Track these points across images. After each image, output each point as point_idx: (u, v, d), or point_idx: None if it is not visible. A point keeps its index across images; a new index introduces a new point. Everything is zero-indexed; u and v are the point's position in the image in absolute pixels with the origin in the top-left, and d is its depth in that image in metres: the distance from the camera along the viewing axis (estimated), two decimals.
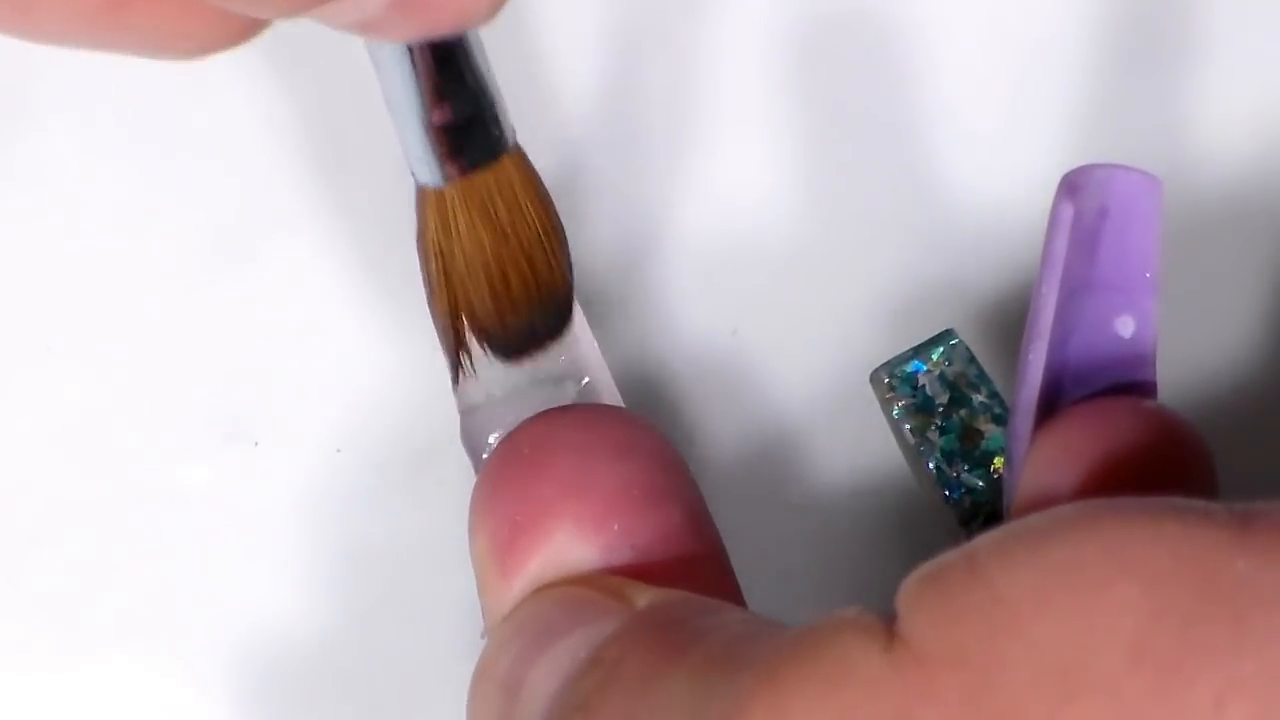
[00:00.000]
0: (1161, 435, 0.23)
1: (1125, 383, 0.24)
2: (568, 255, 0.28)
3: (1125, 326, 0.24)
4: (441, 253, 0.27)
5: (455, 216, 0.27)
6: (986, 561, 0.19)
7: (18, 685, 0.32)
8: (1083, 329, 0.24)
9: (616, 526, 0.25)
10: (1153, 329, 0.24)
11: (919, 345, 0.29)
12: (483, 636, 0.26)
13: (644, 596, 0.24)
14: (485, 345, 0.28)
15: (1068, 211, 0.24)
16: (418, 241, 0.27)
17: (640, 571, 0.25)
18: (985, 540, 0.20)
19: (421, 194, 0.27)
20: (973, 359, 0.29)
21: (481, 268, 0.27)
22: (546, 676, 0.23)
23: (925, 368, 0.29)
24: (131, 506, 0.32)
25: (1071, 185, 0.24)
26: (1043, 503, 0.23)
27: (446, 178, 0.26)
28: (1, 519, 0.32)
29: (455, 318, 0.27)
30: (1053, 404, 0.24)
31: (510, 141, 0.27)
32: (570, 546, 0.25)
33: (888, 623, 0.20)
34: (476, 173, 0.26)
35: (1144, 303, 0.24)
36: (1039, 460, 0.23)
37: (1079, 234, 0.24)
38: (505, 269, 0.27)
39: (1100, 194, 0.23)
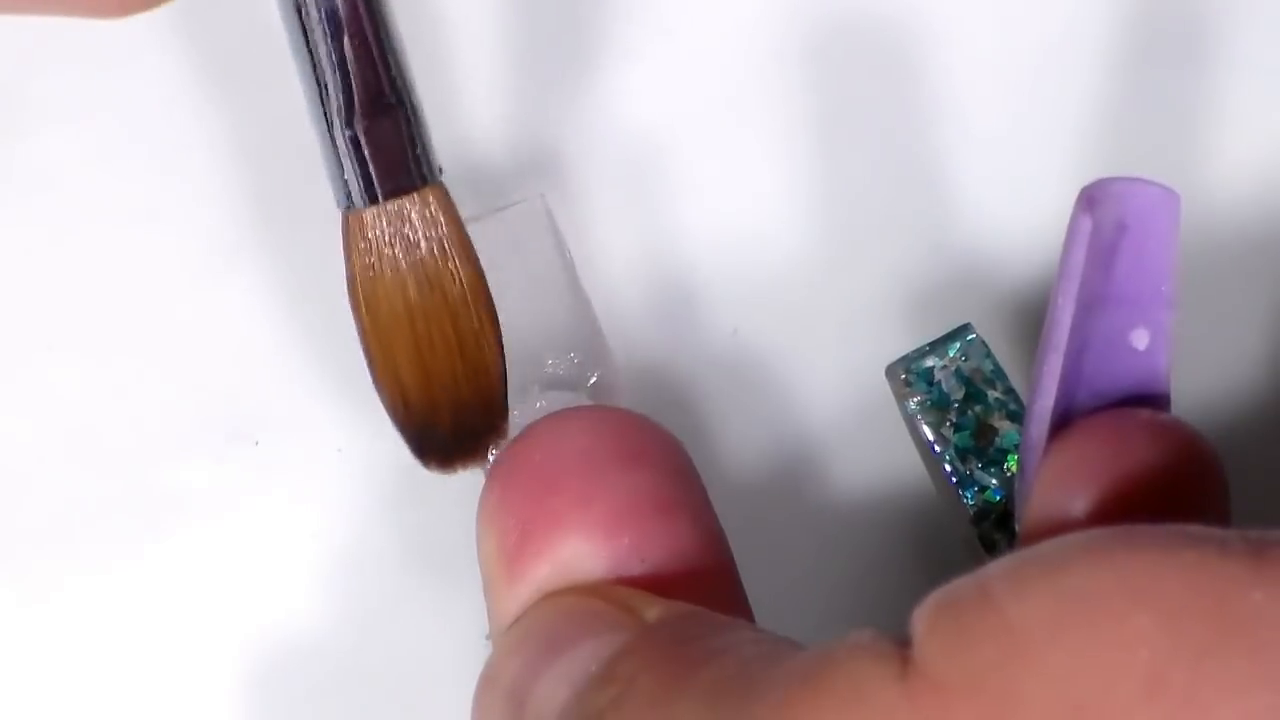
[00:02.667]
0: (1174, 448, 0.23)
1: (1139, 395, 0.24)
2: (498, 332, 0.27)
3: (1140, 339, 0.23)
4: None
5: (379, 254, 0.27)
6: (1000, 590, 0.19)
7: (19, 684, 0.31)
8: (1098, 341, 0.24)
9: (626, 538, 0.25)
10: (1167, 342, 0.24)
11: (936, 340, 0.29)
12: (487, 638, 0.26)
13: (653, 610, 0.24)
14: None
15: (1086, 225, 0.24)
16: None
17: (649, 582, 0.25)
18: (998, 568, 0.19)
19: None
20: (989, 354, 0.29)
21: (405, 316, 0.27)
22: (555, 688, 0.23)
23: (941, 363, 0.29)
24: (131, 506, 0.32)
25: (1090, 199, 0.24)
26: (1056, 518, 0.23)
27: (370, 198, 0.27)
28: (2, 518, 0.32)
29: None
30: (1067, 415, 0.24)
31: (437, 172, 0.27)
32: (580, 556, 0.25)
33: (902, 648, 0.19)
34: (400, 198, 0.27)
35: (1159, 316, 0.23)
36: (1052, 472, 0.23)
37: (1097, 247, 0.23)
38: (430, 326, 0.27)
39: (1119, 208, 0.23)
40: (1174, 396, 0.24)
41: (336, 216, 0.32)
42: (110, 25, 0.33)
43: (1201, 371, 0.31)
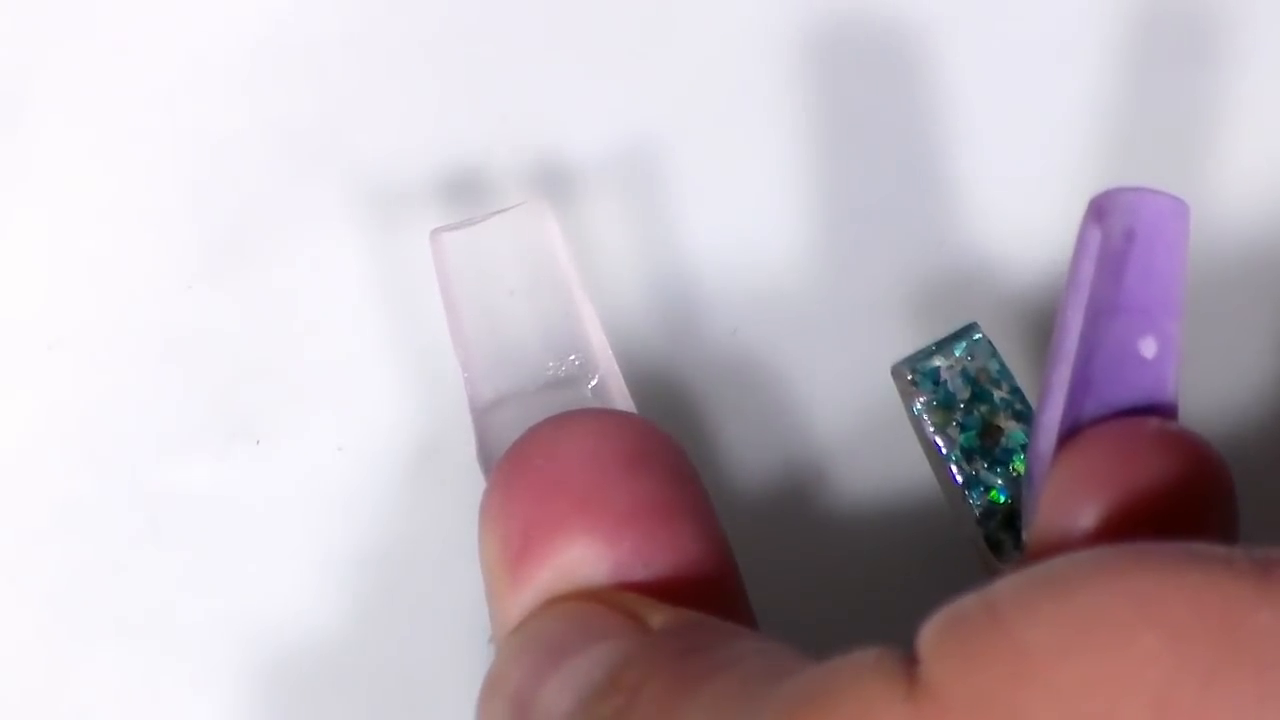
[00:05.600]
0: (1183, 458, 0.23)
1: (1147, 405, 0.24)
2: None
3: (1148, 348, 0.23)
4: None
5: None
6: (1008, 610, 0.19)
7: (18, 685, 0.31)
8: (1106, 349, 0.23)
9: (629, 542, 0.25)
10: (1175, 351, 0.24)
11: (941, 340, 0.29)
12: (490, 642, 0.26)
13: (657, 616, 0.24)
14: None
15: (1095, 236, 0.24)
16: None
17: (652, 587, 0.24)
18: (1006, 586, 0.19)
19: None
20: (995, 353, 0.29)
21: None
22: (559, 695, 0.23)
23: (947, 363, 0.29)
24: (132, 506, 0.32)
25: (1099, 209, 0.24)
26: (1064, 531, 0.22)
27: None
28: (2, 519, 0.32)
29: None
30: (1075, 424, 0.24)
31: None
32: (583, 560, 0.25)
33: (908, 666, 0.19)
34: None
35: (1167, 325, 0.23)
36: (1060, 483, 0.23)
37: (1105, 257, 0.23)
38: None
39: (1128, 217, 0.23)
40: (1183, 406, 0.24)
41: (341, 212, 0.32)
42: (109, 25, 0.33)
43: (1211, 381, 0.31)
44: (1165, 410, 0.23)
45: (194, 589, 0.31)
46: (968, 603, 0.19)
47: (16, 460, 0.32)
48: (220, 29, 0.33)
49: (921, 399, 0.29)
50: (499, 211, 0.29)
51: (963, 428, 0.29)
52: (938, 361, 0.29)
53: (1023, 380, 0.29)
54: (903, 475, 0.31)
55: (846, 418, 0.31)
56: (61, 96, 0.33)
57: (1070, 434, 0.23)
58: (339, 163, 0.33)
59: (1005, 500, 0.28)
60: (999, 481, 0.28)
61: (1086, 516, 0.22)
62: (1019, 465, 0.28)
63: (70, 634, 0.31)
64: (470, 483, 0.28)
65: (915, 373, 0.29)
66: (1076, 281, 0.24)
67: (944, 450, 0.29)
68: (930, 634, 0.19)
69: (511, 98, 0.33)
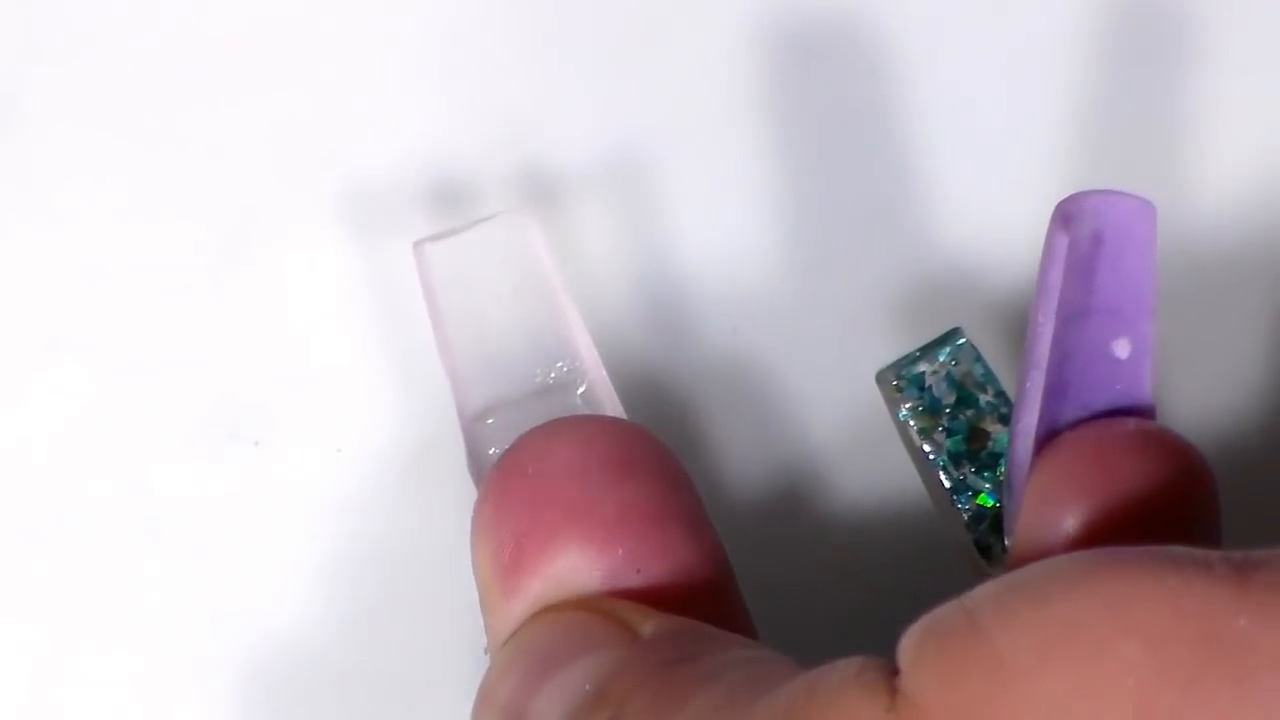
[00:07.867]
0: (1162, 458, 0.23)
1: (1123, 405, 0.23)
2: None
3: (1122, 349, 0.23)
4: None
5: None
6: (987, 620, 0.19)
7: (19, 685, 0.31)
8: (1080, 353, 0.23)
9: (620, 549, 0.24)
10: (1149, 351, 0.23)
11: (926, 345, 0.29)
12: (486, 652, 0.26)
13: (648, 624, 0.24)
14: None
15: (1062, 242, 0.23)
16: None
17: (645, 594, 0.24)
18: (985, 595, 0.19)
19: None
20: (979, 358, 0.29)
21: None
22: (549, 707, 0.23)
23: (932, 368, 0.29)
24: (132, 506, 0.32)
25: (1065, 215, 0.23)
26: (1046, 537, 0.22)
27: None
28: (2, 519, 0.32)
29: None
30: (1052, 427, 0.24)
31: None
32: (575, 568, 0.24)
33: (890, 677, 0.19)
34: None
35: (1140, 325, 0.23)
36: (1040, 489, 0.23)
37: (1074, 261, 0.23)
38: None
39: (1095, 221, 0.23)
40: (1167, 407, 0.24)
41: (341, 212, 0.32)
42: (109, 25, 0.33)
43: (1194, 381, 0.30)
44: (1142, 410, 0.23)
45: (191, 590, 0.31)
46: (946, 611, 0.19)
47: (13, 460, 0.32)
48: (214, 34, 0.33)
49: (907, 405, 0.29)
50: (481, 220, 0.29)
51: (949, 432, 0.29)
52: (922, 367, 0.29)
53: (1008, 384, 0.29)
54: (892, 480, 0.31)
55: (834, 423, 0.31)
56: (59, 97, 0.33)
57: (1048, 439, 0.23)
58: (335, 167, 0.33)
59: (993, 504, 0.28)
60: (987, 485, 0.28)
61: (1068, 521, 0.22)
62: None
63: (67, 634, 0.31)
64: (468, 485, 0.28)
65: (900, 378, 0.29)
66: (1046, 288, 0.24)
67: (931, 455, 0.29)
68: (910, 644, 0.19)
69: (498, 103, 0.33)
